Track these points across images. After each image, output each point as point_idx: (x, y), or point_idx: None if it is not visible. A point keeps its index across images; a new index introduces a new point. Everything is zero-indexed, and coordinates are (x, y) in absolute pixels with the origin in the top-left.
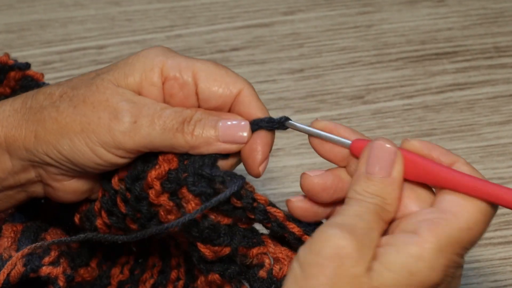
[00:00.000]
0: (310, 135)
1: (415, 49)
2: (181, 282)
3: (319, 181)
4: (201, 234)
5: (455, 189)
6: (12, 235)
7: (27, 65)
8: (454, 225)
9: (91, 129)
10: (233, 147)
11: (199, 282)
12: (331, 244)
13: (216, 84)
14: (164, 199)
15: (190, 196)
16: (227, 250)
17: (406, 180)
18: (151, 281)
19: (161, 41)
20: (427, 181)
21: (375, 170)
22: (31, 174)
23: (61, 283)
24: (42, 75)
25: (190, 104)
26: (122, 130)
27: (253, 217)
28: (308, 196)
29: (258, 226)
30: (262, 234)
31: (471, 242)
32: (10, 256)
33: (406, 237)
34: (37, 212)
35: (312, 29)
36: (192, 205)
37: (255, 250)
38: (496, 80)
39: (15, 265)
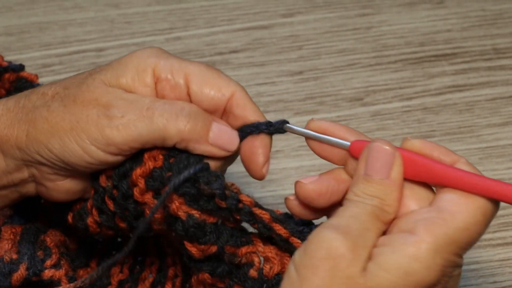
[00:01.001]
0: (308, 137)
1: (414, 51)
2: (179, 279)
3: (314, 188)
4: (187, 233)
5: (455, 186)
6: (11, 237)
7: (21, 67)
8: (452, 225)
9: (80, 127)
10: (218, 153)
11: (193, 280)
12: (325, 246)
13: (208, 87)
14: (148, 197)
15: (174, 196)
16: (213, 249)
17: (406, 179)
18: (150, 279)
19: (160, 43)
20: (427, 179)
21: (374, 172)
22: (25, 174)
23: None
24: (37, 76)
25: None
26: (110, 125)
27: (239, 217)
28: (305, 202)
29: (248, 225)
30: (251, 233)
31: (470, 242)
32: (11, 259)
33: (402, 237)
34: (36, 213)
35: (311, 31)
36: (176, 204)
37: (244, 249)
38: (495, 82)
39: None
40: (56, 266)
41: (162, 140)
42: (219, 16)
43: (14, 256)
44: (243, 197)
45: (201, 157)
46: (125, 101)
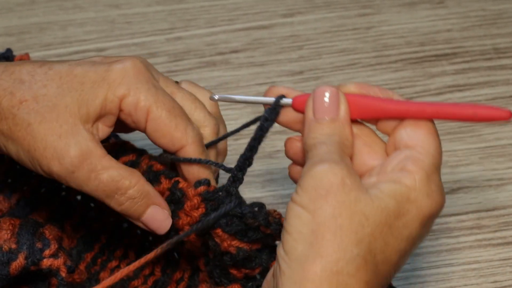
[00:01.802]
0: (243, 102)
1: (414, 51)
2: (183, 284)
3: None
4: (235, 263)
5: (404, 116)
6: (10, 227)
7: (9, 51)
8: (428, 153)
9: (35, 155)
10: (149, 229)
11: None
12: (324, 177)
13: (161, 136)
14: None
15: (226, 236)
16: (258, 270)
17: (354, 121)
18: (143, 287)
19: (161, 43)
20: (374, 115)
21: (324, 114)
22: None
23: (63, 274)
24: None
25: (140, 130)
26: (59, 173)
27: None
28: (296, 161)
29: None
30: None
31: (440, 163)
32: (10, 248)
33: (397, 173)
34: (33, 210)
35: (311, 31)
36: (227, 242)
37: None
38: (496, 82)
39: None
40: (54, 255)
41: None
42: (220, 16)
43: (13, 246)
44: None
45: (240, 200)
46: (82, 155)
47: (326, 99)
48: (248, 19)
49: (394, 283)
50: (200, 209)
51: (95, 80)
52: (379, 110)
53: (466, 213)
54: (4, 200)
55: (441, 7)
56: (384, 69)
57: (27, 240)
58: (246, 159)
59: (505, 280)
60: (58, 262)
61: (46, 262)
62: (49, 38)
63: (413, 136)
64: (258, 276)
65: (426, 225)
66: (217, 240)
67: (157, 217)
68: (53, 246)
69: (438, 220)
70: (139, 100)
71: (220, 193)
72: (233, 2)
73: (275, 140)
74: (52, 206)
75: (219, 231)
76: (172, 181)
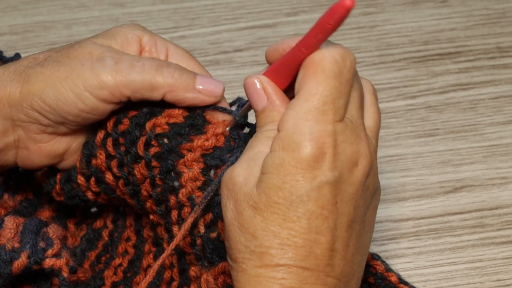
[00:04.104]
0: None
1: (418, 50)
2: (175, 283)
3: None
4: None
5: (293, 62)
6: (14, 226)
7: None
8: (308, 97)
9: (75, 74)
10: (207, 99)
11: (202, 279)
12: (225, 183)
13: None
14: (197, 168)
15: None
16: None
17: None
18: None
19: None
20: (294, 75)
21: (256, 105)
22: (10, 138)
23: (65, 274)
24: None
25: None
26: (104, 71)
27: None
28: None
29: None
30: None
31: (334, 98)
32: (13, 247)
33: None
34: (36, 210)
35: None
36: None
37: None
38: (499, 80)
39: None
40: (57, 255)
41: (151, 89)
42: (223, 15)
43: (16, 245)
44: None
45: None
46: (117, 53)
47: (251, 90)
48: (252, 18)
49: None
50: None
51: (109, 30)
52: (286, 69)
53: (469, 211)
54: (9, 199)
55: (445, 6)
56: (388, 68)
57: (30, 239)
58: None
59: (508, 279)
60: (61, 262)
61: (49, 262)
62: (54, 37)
63: (298, 83)
64: None
65: (313, 175)
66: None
67: (208, 79)
68: (56, 246)
69: (441, 219)
70: (156, 39)
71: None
72: (237, 0)
73: None
74: (56, 205)
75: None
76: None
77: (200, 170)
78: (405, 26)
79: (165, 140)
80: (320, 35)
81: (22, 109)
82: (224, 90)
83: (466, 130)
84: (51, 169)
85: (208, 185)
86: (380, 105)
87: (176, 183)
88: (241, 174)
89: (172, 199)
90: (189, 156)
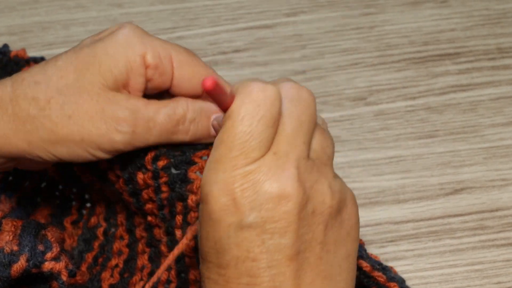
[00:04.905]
0: None
1: (417, 50)
2: (173, 285)
3: None
4: None
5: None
6: (12, 229)
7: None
8: (215, 146)
9: (91, 139)
10: None
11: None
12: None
13: (190, 78)
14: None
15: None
16: None
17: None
18: (141, 283)
19: None
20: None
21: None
22: (7, 165)
23: (64, 278)
24: (24, 51)
25: (165, 87)
26: (123, 140)
27: None
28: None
29: None
30: None
31: (240, 141)
32: (12, 250)
33: None
34: (34, 211)
35: (314, 31)
36: None
37: None
38: (499, 81)
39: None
40: (56, 259)
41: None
42: (222, 15)
43: (15, 248)
44: None
45: None
46: (131, 112)
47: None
48: (251, 18)
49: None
50: None
51: (107, 49)
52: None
53: (470, 213)
54: (6, 200)
55: (445, 7)
56: (387, 69)
57: (29, 242)
58: None
59: (509, 281)
60: (60, 265)
61: (48, 265)
62: (52, 37)
63: None
64: None
65: (223, 225)
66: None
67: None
68: (55, 249)
69: (441, 221)
70: (159, 51)
71: None
72: (236, 1)
73: None
74: (53, 203)
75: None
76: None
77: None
78: (404, 26)
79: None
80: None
81: (29, 156)
82: None
83: (466, 132)
84: None
85: None
86: (380, 106)
87: (185, 191)
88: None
89: (179, 205)
90: (204, 163)
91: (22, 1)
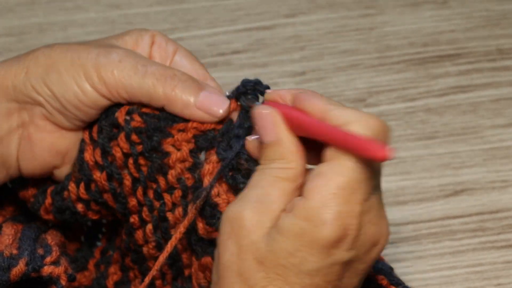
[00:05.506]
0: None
1: (417, 52)
2: (168, 277)
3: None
4: (203, 210)
5: (323, 140)
6: (13, 233)
7: None
8: (331, 183)
9: (80, 63)
10: (207, 118)
11: (193, 269)
12: (228, 221)
13: (188, 71)
14: (186, 150)
15: (214, 158)
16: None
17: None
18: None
19: None
20: (305, 134)
21: (264, 137)
22: (14, 122)
23: (63, 282)
24: None
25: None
26: (106, 67)
27: None
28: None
29: None
30: None
31: (359, 187)
32: (11, 254)
33: (296, 200)
34: (35, 215)
35: (313, 32)
36: (211, 166)
37: None
38: (499, 83)
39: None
40: (55, 263)
41: (149, 98)
42: (221, 17)
43: (14, 252)
44: None
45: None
46: (125, 51)
47: (263, 122)
48: (250, 20)
49: None
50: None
51: (123, 33)
52: (310, 132)
53: (470, 215)
54: (7, 205)
55: (445, 8)
56: (387, 70)
57: (28, 246)
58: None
59: (509, 283)
60: (59, 270)
61: (47, 270)
62: (50, 39)
63: (327, 161)
64: None
65: (329, 253)
66: (206, 162)
67: (210, 97)
68: (55, 253)
69: (441, 222)
70: (168, 40)
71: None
72: (235, 2)
73: None
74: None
75: (213, 151)
76: None
77: (189, 150)
78: (404, 28)
79: (153, 119)
80: (352, 151)
81: (25, 90)
82: (228, 107)
83: (466, 133)
84: (40, 187)
85: (197, 168)
86: (380, 108)
87: (162, 163)
88: (250, 219)
89: (162, 182)
90: (179, 136)
91: (20, 2)
